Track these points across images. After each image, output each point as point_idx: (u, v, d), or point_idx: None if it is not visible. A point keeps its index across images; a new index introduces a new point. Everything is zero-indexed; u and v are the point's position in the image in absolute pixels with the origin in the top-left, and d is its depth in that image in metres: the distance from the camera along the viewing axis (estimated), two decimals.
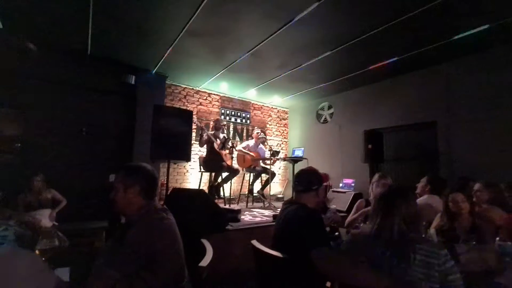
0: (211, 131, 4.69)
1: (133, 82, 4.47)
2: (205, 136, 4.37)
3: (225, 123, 5.94)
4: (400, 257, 1.07)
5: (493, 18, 2.94)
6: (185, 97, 5.55)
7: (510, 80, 3.43)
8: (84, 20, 3.14)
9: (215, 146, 4.41)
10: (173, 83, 5.34)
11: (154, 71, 4.68)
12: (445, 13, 2.85)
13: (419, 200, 2.69)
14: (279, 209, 1.61)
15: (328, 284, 1.58)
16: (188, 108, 5.38)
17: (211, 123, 5.56)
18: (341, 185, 5.14)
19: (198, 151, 5.17)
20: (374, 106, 5.11)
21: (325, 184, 4.95)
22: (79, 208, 3.69)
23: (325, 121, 6.17)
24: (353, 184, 4.97)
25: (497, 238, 1.42)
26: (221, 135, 4.64)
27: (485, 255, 1.39)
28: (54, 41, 3.71)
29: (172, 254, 1.19)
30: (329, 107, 6.11)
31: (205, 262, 1.32)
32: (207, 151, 4.53)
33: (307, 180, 1.57)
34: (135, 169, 1.33)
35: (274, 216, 3.55)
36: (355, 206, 2.69)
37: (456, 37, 3.31)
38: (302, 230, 1.30)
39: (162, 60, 4.25)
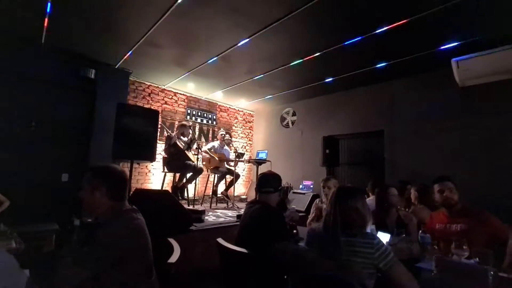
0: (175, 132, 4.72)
1: (92, 76, 4.21)
2: (172, 142, 4.40)
3: (191, 123, 5.90)
4: (337, 247, 1.25)
5: (429, 47, 3.48)
6: (149, 95, 5.38)
7: (443, 98, 4.05)
8: (40, 5, 2.91)
9: (179, 145, 4.44)
10: (137, 80, 5.15)
11: (117, 66, 4.47)
12: (392, 37, 3.28)
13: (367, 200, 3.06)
14: (243, 210, 1.74)
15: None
16: (152, 107, 5.24)
17: (176, 123, 5.51)
18: (301, 186, 5.47)
19: (161, 150, 5.05)
20: (332, 115, 5.56)
21: (285, 186, 5.25)
22: (25, 210, 3.38)
23: (288, 126, 6.50)
24: (311, 186, 5.33)
25: (420, 231, 1.75)
26: (185, 139, 4.68)
27: (411, 245, 1.70)
28: (1, 25, 3.36)
29: (141, 252, 1.25)
30: (293, 113, 6.45)
31: (173, 259, 1.39)
32: (171, 152, 4.49)
33: (274, 183, 1.73)
34: (102, 170, 1.34)
35: (238, 216, 3.68)
36: (313, 206, 2.98)
37: (401, 59, 3.81)
38: (266, 227, 1.45)
39: (125, 57, 4.10)
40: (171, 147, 4.42)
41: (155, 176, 5.33)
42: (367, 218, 1.36)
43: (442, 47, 3.42)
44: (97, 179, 1.29)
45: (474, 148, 3.68)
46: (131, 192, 3.03)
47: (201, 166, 4.71)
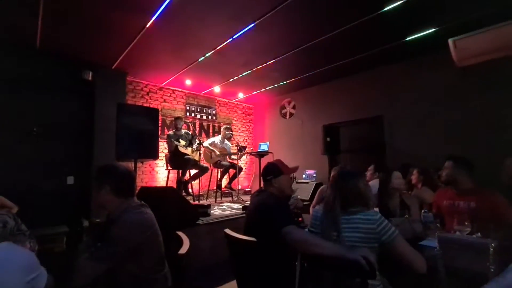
0: (172, 131, 4.76)
1: (90, 79, 4.22)
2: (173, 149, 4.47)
3: (190, 120, 5.92)
4: (337, 226, 1.30)
5: (422, 29, 3.45)
6: (148, 94, 5.38)
7: (441, 79, 4.03)
8: (33, 10, 2.90)
9: (179, 150, 4.50)
10: (135, 79, 5.15)
11: (113, 67, 4.47)
12: (383, 23, 3.27)
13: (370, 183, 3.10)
14: (248, 202, 1.78)
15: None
16: (151, 106, 5.26)
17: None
18: (304, 176, 5.51)
19: (164, 148, 5.09)
20: (331, 103, 5.55)
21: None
22: (34, 214, 3.43)
23: (288, 116, 6.50)
24: (314, 175, 5.37)
25: (422, 211, 1.78)
26: (183, 131, 4.74)
27: (414, 225, 1.74)
28: None
29: (153, 245, 1.29)
30: (292, 103, 6.44)
31: (183, 250, 1.42)
32: (171, 150, 4.55)
33: (273, 169, 1.76)
34: (104, 168, 1.37)
35: (243, 208, 3.73)
36: (318, 192, 3.02)
37: (393, 43, 3.79)
38: (272, 213, 1.48)
39: (122, 56, 4.09)
40: (170, 146, 4.52)
41: (159, 174, 5.39)
42: (369, 199, 1.37)
43: (438, 28, 3.40)
44: (100, 178, 1.33)
45: (474, 126, 3.68)
46: (137, 191, 3.08)
47: (206, 165, 4.79)
